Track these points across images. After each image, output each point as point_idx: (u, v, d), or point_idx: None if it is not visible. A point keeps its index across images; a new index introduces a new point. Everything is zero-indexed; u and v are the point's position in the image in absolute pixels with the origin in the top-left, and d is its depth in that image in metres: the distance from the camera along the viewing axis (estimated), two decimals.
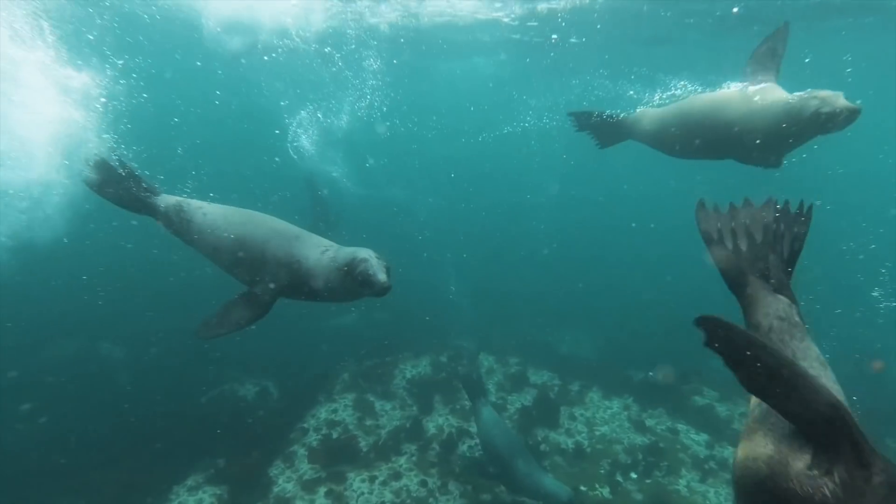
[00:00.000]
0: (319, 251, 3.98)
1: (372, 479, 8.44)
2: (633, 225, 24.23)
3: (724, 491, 8.92)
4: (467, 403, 10.76)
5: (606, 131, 6.02)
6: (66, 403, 10.05)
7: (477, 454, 9.19)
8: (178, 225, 4.62)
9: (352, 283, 3.78)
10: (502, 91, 23.81)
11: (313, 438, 9.37)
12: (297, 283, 4.00)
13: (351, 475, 8.50)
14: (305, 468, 8.63)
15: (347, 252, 3.90)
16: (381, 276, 3.65)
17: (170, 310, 13.49)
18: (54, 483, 8.22)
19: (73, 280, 13.57)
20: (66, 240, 12.62)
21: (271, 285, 3.98)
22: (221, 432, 9.30)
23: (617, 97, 14.68)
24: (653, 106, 5.85)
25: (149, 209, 4.80)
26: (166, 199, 4.81)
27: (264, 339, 13.68)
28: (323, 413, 10.11)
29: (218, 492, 8.20)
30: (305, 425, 9.73)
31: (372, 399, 10.52)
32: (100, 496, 8.06)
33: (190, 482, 8.45)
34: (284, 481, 8.40)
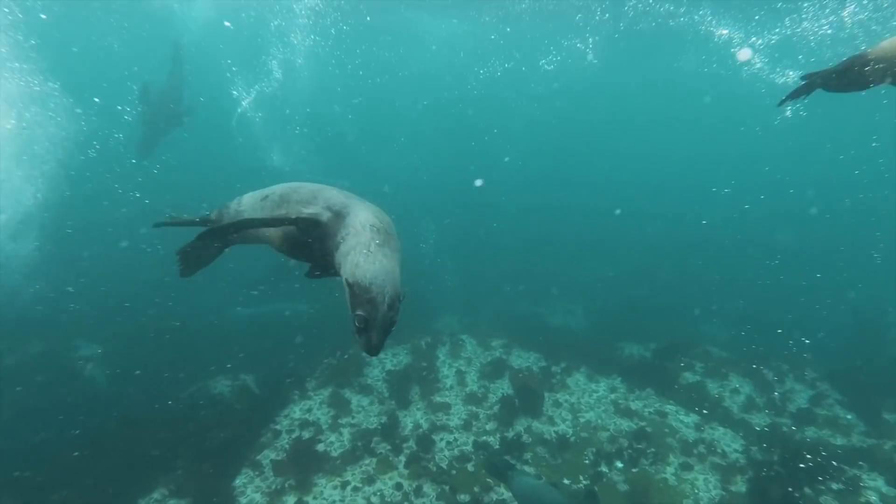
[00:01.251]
0: (371, 213, 3.30)
1: (344, 486, 8.09)
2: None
3: (713, 478, 8.56)
4: (447, 395, 10.38)
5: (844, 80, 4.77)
6: (33, 410, 9.73)
7: (456, 451, 8.85)
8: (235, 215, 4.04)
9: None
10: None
11: (285, 441, 8.99)
12: (332, 231, 3.27)
13: (322, 482, 8.15)
14: (274, 476, 8.26)
15: (369, 272, 2.93)
16: (373, 339, 2.78)
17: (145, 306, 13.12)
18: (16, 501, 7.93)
19: (46, 282, 13.06)
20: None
21: (312, 213, 3.36)
22: (190, 438, 8.95)
23: None
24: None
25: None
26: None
27: (242, 331, 13.30)
28: (297, 412, 9.71)
29: None
30: (277, 427, 9.35)
31: (348, 395, 10.10)
32: None
33: (156, 495, 8.13)
34: (252, 491, 8.06)
